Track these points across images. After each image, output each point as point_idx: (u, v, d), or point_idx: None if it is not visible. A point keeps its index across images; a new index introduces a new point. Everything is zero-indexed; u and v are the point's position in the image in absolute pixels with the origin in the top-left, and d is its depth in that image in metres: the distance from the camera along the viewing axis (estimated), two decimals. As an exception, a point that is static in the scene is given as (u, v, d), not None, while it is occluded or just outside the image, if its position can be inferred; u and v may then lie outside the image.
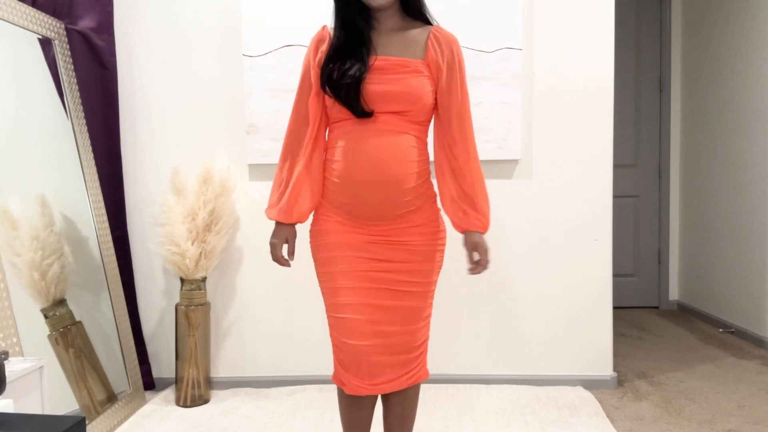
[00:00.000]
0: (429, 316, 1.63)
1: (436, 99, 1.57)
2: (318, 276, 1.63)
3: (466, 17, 2.61)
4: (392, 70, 1.51)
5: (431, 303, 1.63)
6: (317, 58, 1.57)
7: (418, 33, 1.56)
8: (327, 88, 1.52)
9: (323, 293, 1.61)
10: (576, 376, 2.73)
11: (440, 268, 1.66)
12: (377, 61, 1.51)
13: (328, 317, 1.61)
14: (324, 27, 1.65)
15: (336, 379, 1.60)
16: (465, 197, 1.59)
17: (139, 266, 2.76)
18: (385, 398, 1.66)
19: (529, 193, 2.70)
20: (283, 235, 1.62)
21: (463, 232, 1.61)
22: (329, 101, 1.55)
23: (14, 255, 2.09)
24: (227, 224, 2.62)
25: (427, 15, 1.61)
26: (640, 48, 4.14)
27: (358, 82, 1.47)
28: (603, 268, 2.70)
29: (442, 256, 1.66)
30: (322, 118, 1.60)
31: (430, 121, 1.61)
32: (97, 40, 2.61)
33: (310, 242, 1.64)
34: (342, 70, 1.49)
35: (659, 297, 4.25)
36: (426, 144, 1.60)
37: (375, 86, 1.49)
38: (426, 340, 1.62)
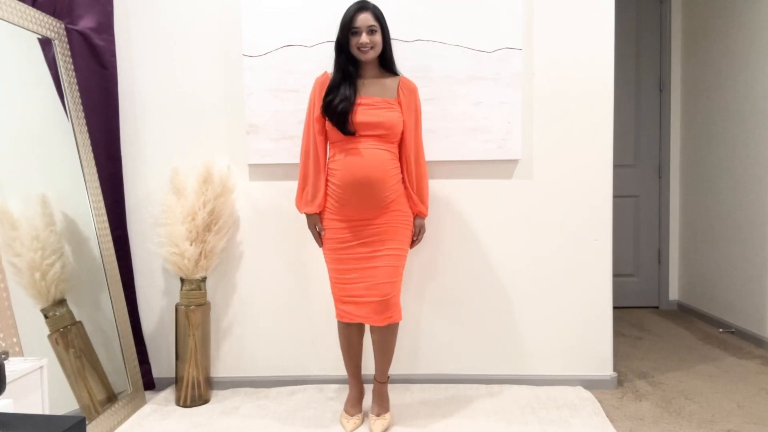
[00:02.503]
0: (401, 274, 2.26)
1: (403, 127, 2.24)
2: (324, 252, 2.29)
3: (466, 17, 2.61)
4: (375, 106, 2.18)
5: (403, 265, 2.27)
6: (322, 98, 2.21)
7: (390, 81, 2.26)
8: (325, 114, 2.18)
9: (327, 263, 2.27)
10: (576, 376, 2.73)
11: (410, 241, 2.31)
12: (363, 99, 2.18)
13: (331, 282, 2.27)
14: (325, 72, 2.28)
15: (339, 317, 2.27)
16: (418, 194, 2.30)
17: (139, 266, 2.76)
18: (372, 333, 2.31)
19: (529, 193, 2.70)
20: (315, 221, 2.30)
21: (415, 215, 2.32)
22: (329, 125, 2.19)
23: (14, 255, 2.09)
24: (227, 224, 2.63)
25: (396, 69, 2.30)
26: (640, 48, 4.14)
27: (345, 112, 2.13)
28: (603, 268, 2.70)
29: (411, 233, 2.31)
30: (326, 141, 2.27)
31: (398, 141, 2.25)
32: (97, 40, 2.61)
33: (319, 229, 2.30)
34: (335, 103, 2.14)
35: (659, 297, 4.25)
36: (397, 156, 2.25)
37: (362, 117, 2.16)
38: (398, 293, 2.24)
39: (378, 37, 2.18)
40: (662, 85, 4.15)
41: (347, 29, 2.17)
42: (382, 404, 2.36)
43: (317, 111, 2.22)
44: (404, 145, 2.27)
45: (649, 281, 4.26)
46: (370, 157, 2.15)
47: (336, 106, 2.14)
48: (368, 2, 2.21)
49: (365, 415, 2.39)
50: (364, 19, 2.15)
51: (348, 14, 2.18)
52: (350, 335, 2.35)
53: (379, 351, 2.33)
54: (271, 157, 2.68)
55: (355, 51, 2.18)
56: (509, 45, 2.61)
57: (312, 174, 2.26)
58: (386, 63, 2.27)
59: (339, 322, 2.35)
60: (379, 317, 2.20)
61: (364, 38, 2.15)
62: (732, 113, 3.57)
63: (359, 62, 2.22)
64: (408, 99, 2.25)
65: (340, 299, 2.26)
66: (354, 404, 2.38)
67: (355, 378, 2.40)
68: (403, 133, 2.26)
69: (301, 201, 2.31)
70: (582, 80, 2.65)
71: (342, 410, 2.40)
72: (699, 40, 3.92)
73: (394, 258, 2.22)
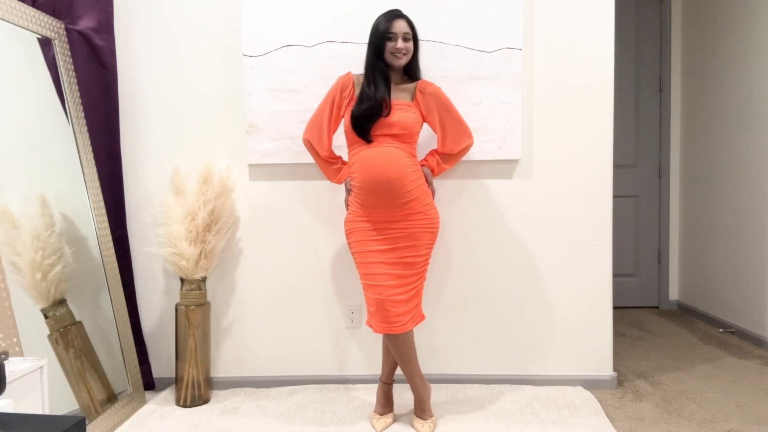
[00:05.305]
0: (423, 278, 2.29)
1: (421, 125, 2.32)
2: (353, 255, 2.30)
3: (466, 17, 2.61)
4: (392, 108, 2.22)
5: (426, 269, 2.30)
6: (345, 102, 2.29)
7: (409, 87, 2.33)
8: (353, 125, 2.22)
9: (358, 266, 2.28)
10: (576, 376, 2.73)
11: (433, 244, 2.30)
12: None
13: (363, 283, 2.25)
14: (348, 73, 2.32)
15: (368, 323, 2.26)
16: (443, 162, 2.42)
17: (139, 266, 2.76)
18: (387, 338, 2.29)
19: (529, 193, 2.70)
20: (346, 184, 2.39)
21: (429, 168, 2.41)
22: (348, 128, 2.26)
23: (15, 255, 2.09)
24: (227, 224, 2.63)
25: (419, 75, 2.37)
26: (640, 48, 4.14)
27: (369, 127, 2.20)
28: (603, 268, 2.70)
29: (435, 237, 2.30)
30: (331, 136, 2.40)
31: (416, 139, 2.29)
32: (97, 40, 2.61)
33: (345, 231, 2.32)
34: (364, 117, 2.20)
35: (659, 297, 4.25)
36: (414, 154, 2.28)
37: (380, 119, 2.21)
38: (419, 297, 2.29)
39: (411, 45, 2.26)
40: (662, 85, 4.15)
41: (384, 35, 2.22)
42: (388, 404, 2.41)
43: (336, 111, 2.30)
44: (440, 143, 2.39)
45: (649, 281, 4.26)
46: (386, 156, 2.19)
47: (362, 122, 2.20)
48: (402, 11, 2.28)
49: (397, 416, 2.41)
50: (401, 26, 2.23)
51: (384, 21, 2.24)
52: (385, 339, 2.34)
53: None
54: (271, 157, 2.68)
55: (389, 56, 2.23)
56: (509, 45, 2.61)
57: (329, 166, 2.40)
58: (410, 71, 2.34)
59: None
60: (405, 325, 2.19)
61: (400, 43, 2.22)
62: (732, 113, 3.57)
63: (391, 68, 2.27)
64: (427, 101, 2.30)
65: (370, 304, 2.23)
66: (384, 404, 2.39)
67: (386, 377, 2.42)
68: (446, 128, 2.35)
69: (329, 178, 2.44)
70: (582, 80, 2.65)
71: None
72: (699, 40, 3.92)
73: (418, 265, 2.24)
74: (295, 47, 2.63)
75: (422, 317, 2.30)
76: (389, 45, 2.22)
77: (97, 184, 2.58)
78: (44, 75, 2.46)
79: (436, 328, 2.75)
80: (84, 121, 2.57)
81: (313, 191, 2.71)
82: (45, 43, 2.46)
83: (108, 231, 2.59)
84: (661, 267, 4.23)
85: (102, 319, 2.52)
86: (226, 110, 2.72)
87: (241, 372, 2.78)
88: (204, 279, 2.60)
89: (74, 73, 2.55)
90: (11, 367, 1.62)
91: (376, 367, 2.60)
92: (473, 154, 2.64)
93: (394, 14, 2.24)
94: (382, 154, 2.19)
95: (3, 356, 1.45)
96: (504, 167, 2.69)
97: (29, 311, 2.13)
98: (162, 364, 2.80)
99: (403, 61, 2.26)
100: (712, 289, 3.79)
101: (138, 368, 2.63)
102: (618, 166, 3.10)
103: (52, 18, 2.48)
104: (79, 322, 2.35)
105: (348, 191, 2.35)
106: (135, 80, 2.73)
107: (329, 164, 2.40)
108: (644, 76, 4.15)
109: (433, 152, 2.42)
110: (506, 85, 2.62)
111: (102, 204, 2.58)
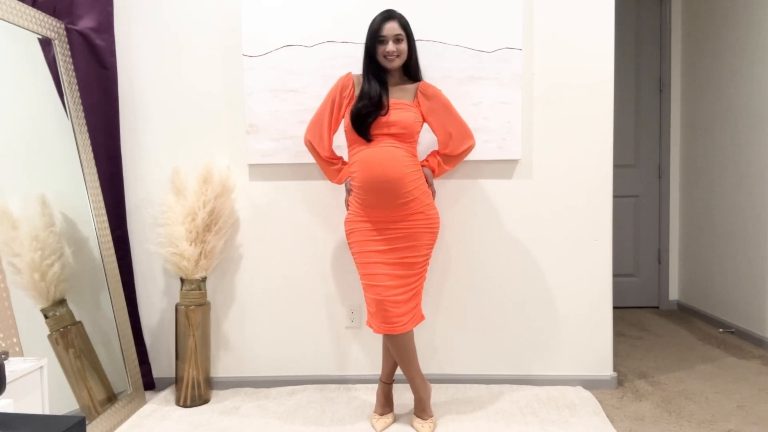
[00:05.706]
0: (423, 279, 2.29)
1: (422, 125, 2.31)
2: (353, 255, 2.30)
3: (466, 17, 2.61)
4: (391, 107, 2.22)
5: (426, 269, 2.29)
6: (345, 102, 2.29)
7: (411, 87, 2.32)
8: (352, 123, 2.22)
9: (358, 266, 2.27)
10: (576, 376, 2.73)
11: (433, 244, 2.29)
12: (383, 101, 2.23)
13: (363, 283, 2.25)
14: (349, 73, 2.33)
15: (368, 323, 2.26)
16: (444, 163, 2.40)
17: (139, 266, 2.76)
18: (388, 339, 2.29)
19: (529, 193, 2.70)
20: (346, 185, 2.39)
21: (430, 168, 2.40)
22: (348, 128, 2.25)
23: (14, 255, 2.09)
24: (227, 224, 2.63)
25: (420, 76, 2.36)
26: (640, 48, 4.14)
27: (368, 125, 2.20)
28: (603, 268, 2.70)
29: (435, 237, 2.29)
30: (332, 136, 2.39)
31: (416, 139, 2.28)
32: (97, 40, 2.61)
33: (345, 231, 2.31)
34: (362, 115, 2.20)
35: (659, 297, 4.25)
36: (415, 154, 2.27)
37: (379, 118, 2.21)
38: (419, 297, 2.28)
39: (404, 46, 2.24)
40: (662, 85, 4.15)
41: (374, 38, 2.22)
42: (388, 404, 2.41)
43: (337, 111, 2.30)
44: (442, 145, 2.37)
45: (649, 281, 4.26)
46: (386, 155, 2.17)
47: (362, 119, 2.20)
48: (395, 11, 2.25)
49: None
50: (391, 28, 2.21)
51: (375, 23, 2.23)
52: (385, 339, 2.35)
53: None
54: (271, 157, 2.68)
55: (381, 59, 2.23)
56: (509, 45, 2.61)
57: (329, 166, 2.39)
58: (410, 71, 2.32)
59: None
60: (404, 325, 2.19)
61: (391, 47, 2.21)
62: (732, 113, 3.57)
63: (386, 69, 2.27)
64: (429, 102, 2.29)
65: (370, 304, 2.23)
66: (384, 404, 2.39)
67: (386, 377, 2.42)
68: (445, 130, 2.33)
69: (329, 178, 2.43)
70: (582, 80, 2.65)
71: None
72: (699, 40, 3.92)
73: (417, 266, 2.23)
74: (295, 47, 2.63)
75: (422, 317, 2.30)
76: (380, 48, 2.22)
77: (97, 184, 2.58)
78: (44, 75, 2.46)
79: (436, 328, 2.75)
80: (84, 121, 2.57)
81: (313, 191, 2.71)
82: (45, 43, 2.46)
83: (108, 231, 2.59)
84: (661, 267, 4.23)
85: (102, 319, 2.52)
86: (226, 110, 2.72)
87: (241, 372, 2.78)
88: (204, 279, 2.60)
89: (74, 73, 2.55)
90: (11, 367, 1.62)
91: (376, 367, 2.60)
92: (473, 154, 2.63)
93: (385, 16, 2.23)
94: (382, 153, 2.18)
95: (3, 356, 1.45)
96: (504, 167, 2.69)
97: (29, 311, 2.13)
98: (162, 364, 2.80)
99: (396, 63, 2.25)
100: (712, 289, 3.79)
101: (138, 368, 2.63)
102: (618, 166, 3.10)
103: (52, 18, 2.48)
104: (79, 322, 2.35)
105: (348, 191, 2.35)
106: (135, 80, 2.73)
107: (330, 164, 2.39)
108: (644, 76, 4.15)
109: (434, 153, 2.41)
110: (506, 85, 2.62)
111: (102, 204, 2.58)
